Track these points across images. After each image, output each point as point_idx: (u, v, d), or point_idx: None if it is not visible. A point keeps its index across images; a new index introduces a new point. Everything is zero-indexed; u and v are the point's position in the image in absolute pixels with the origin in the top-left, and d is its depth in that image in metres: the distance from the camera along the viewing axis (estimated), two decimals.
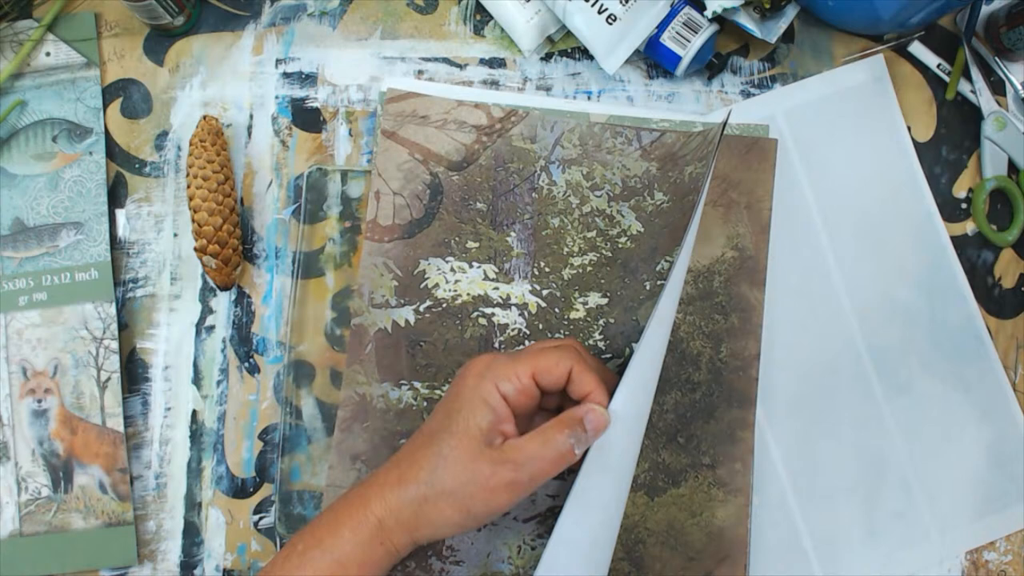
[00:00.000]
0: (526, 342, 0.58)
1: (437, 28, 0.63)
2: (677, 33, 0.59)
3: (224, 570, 0.58)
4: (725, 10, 0.59)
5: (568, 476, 0.48)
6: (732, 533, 0.57)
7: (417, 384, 0.57)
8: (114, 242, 0.60)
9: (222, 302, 0.60)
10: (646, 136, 0.60)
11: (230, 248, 0.57)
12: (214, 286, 0.59)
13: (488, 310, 0.58)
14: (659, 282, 0.58)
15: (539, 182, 0.60)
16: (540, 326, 0.58)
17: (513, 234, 0.59)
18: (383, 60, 0.62)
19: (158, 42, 0.62)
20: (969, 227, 0.63)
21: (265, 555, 0.58)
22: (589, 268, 0.59)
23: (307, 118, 0.62)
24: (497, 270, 0.59)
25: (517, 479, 0.45)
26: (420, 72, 0.62)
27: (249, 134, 0.61)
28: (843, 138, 0.62)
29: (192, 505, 0.58)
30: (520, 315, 0.58)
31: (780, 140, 0.61)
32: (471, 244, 0.59)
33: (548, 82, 0.63)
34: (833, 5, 0.59)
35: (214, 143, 0.58)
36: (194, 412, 0.59)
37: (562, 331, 0.58)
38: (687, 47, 0.59)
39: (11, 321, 0.58)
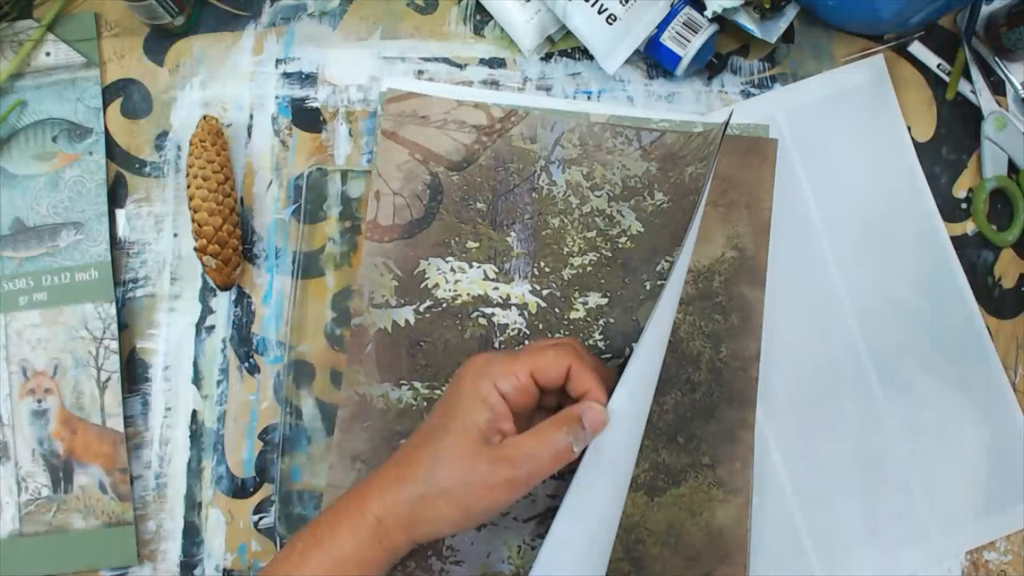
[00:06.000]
0: (526, 342, 0.58)
1: (437, 28, 0.63)
2: (677, 33, 0.59)
3: (224, 570, 0.58)
4: (725, 10, 0.59)
5: (568, 476, 0.48)
6: (732, 533, 0.57)
7: (417, 384, 0.57)
8: (114, 242, 0.60)
9: (222, 302, 0.60)
10: (646, 136, 0.60)
11: (230, 248, 0.57)
12: (214, 286, 0.59)
13: (488, 310, 0.58)
14: (659, 282, 0.58)
15: (539, 182, 0.60)
16: (540, 326, 0.58)
17: (513, 234, 0.59)
18: (383, 60, 0.62)
19: (158, 42, 0.62)
20: (969, 227, 0.63)
21: (265, 555, 0.58)
22: (589, 268, 0.59)
23: (307, 118, 0.62)
24: (497, 270, 0.59)
25: (515, 477, 0.45)
26: (420, 72, 0.62)
27: (249, 134, 0.61)
28: (843, 138, 0.62)
29: (192, 505, 0.58)
30: (520, 315, 0.58)
31: (780, 140, 0.61)
32: (471, 244, 0.59)
33: (548, 82, 0.63)
34: (833, 5, 0.59)
35: (214, 143, 0.58)
36: (194, 412, 0.59)
37: (562, 331, 0.58)
38: (687, 47, 0.59)
39: (11, 321, 0.58)
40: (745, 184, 0.60)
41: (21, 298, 0.59)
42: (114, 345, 0.58)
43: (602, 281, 0.59)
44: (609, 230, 0.59)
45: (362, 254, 0.58)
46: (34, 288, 0.59)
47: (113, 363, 0.58)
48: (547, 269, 0.59)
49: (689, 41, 0.59)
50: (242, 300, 0.60)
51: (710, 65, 0.62)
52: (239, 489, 0.58)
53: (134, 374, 0.59)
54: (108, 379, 0.58)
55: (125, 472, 0.57)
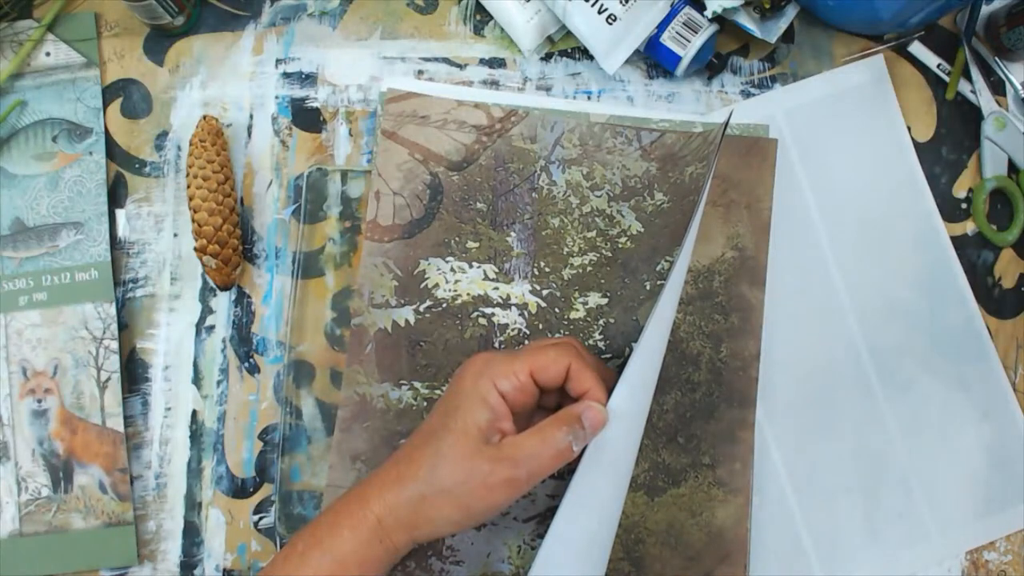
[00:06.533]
0: (526, 342, 0.58)
1: (437, 28, 0.63)
2: (677, 33, 0.59)
3: (224, 570, 0.58)
4: (725, 10, 0.59)
5: (568, 475, 0.48)
6: (732, 533, 0.57)
7: (417, 384, 0.57)
8: (114, 242, 0.60)
9: (222, 302, 0.60)
10: (646, 136, 0.60)
11: (230, 248, 0.57)
12: (214, 286, 0.59)
13: (488, 310, 0.58)
14: (659, 282, 0.58)
15: (539, 182, 0.60)
16: (540, 326, 0.58)
17: (513, 234, 0.59)
18: (383, 60, 0.62)
19: (158, 42, 0.62)
20: (969, 227, 0.63)
21: (265, 555, 0.58)
22: (589, 268, 0.59)
23: (307, 118, 0.62)
24: (497, 270, 0.59)
25: (515, 476, 0.45)
26: (420, 72, 0.62)
27: (249, 134, 0.61)
28: (843, 138, 0.62)
29: (192, 505, 0.58)
30: (520, 315, 0.58)
31: (780, 140, 0.61)
32: (471, 244, 0.59)
33: (548, 82, 0.63)
34: (833, 5, 0.59)
35: (214, 143, 0.58)
36: (194, 412, 0.59)
37: (562, 331, 0.58)
38: (687, 47, 0.59)
39: (11, 321, 0.58)
40: (745, 184, 0.60)
41: (21, 298, 0.59)
42: (114, 345, 0.58)
43: (602, 281, 0.59)
44: (609, 230, 0.59)
45: (362, 254, 0.58)
46: (34, 288, 0.59)
47: (113, 363, 0.58)
48: (547, 269, 0.59)
49: (689, 41, 0.59)
50: (242, 300, 0.60)
51: (710, 65, 0.62)
52: (239, 489, 0.58)
53: (134, 374, 0.59)
54: (108, 379, 0.58)
55: (125, 472, 0.57)
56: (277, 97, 0.62)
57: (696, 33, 0.59)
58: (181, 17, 0.60)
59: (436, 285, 0.59)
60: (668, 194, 0.60)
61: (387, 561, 0.46)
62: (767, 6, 0.59)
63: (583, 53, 0.63)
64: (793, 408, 0.60)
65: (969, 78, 0.63)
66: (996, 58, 0.63)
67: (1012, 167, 0.63)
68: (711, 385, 0.58)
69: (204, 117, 0.59)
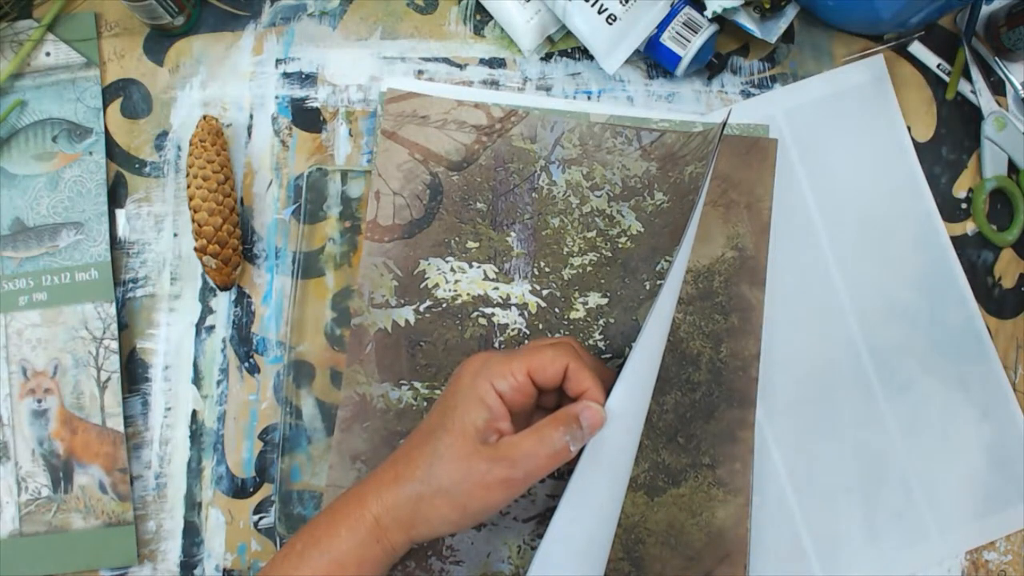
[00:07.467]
0: (526, 342, 0.58)
1: (437, 28, 0.63)
2: (677, 33, 0.59)
3: (224, 570, 0.58)
4: (725, 10, 0.59)
5: (567, 475, 0.48)
6: (732, 533, 0.57)
7: (417, 384, 0.57)
8: (114, 242, 0.60)
9: (222, 302, 0.60)
10: (646, 136, 0.60)
11: (230, 248, 0.57)
12: (214, 286, 0.59)
13: (488, 310, 0.58)
14: (659, 282, 0.58)
15: (539, 182, 0.60)
16: (540, 326, 0.58)
17: (513, 234, 0.59)
18: (383, 60, 0.62)
19: (158, 42, 0.62)
20: (969, 227, 0.63)
21: (265, 555, 0.58)
22: (589, 268, 0.59)
23: (307, 118, 0.62)
24: (497, 270, 0.59)
25: (512, 476, 0.45)
26: (420, 72, 0.62)
27: (249, 134, 0.61)
28: (843, 138, 0.62)
29: (192, 505, 0.58)
30: (520, 315, 0.58)
31: (780, 140, 0.61)
32: (471, 244, 0.59)
33: (548, 82, 0.63)
34: (833, 5, 0.59)
35: (214, 143, 0.58)
36: (194, 412, 0.59)
37: (562, 331, 0.58)
38: (687, 47, 0.59)
39: (11, 321, 0.58)
40: (745, 184, 0.60)
41: (21, 298, 0.59)
42: (114, 345, 0.58)
43: (602, 281, 0.59)
44: (609, 230, 0.59)
45: (362, 254, 0.58)
46: (34, 288, 0.59)
47: (113, 363, 0.58)
48: (547, 269, 0.59)
49: (689, 41, 0.59)
50: (242, 300, 0.60)
51: (710, 65, 0.62)
52: (239, 489, 0.58)
53: (134, 374, 0.59)
54: (108, 379, 0.58)
55: (125, 472, 0.57)
56: (277, 97, 0.62)
57: (696, 33, 0.59)
58: (181, 17, 0.60)
59: (436, 285, 0.59)
60: (668, 194, 0.60)
61: (385, 561, 0.46)
62: (767, 6, 0.59)
63: (583, 53, 0.63)
64: (793, 408, 0.60)
65: (969, 78, 0.63)
66: (996, 58, 0.63)
67: (1012, 167, 0.63)
68: (711, 385, 0.58)
69: (204, 117, 0.59)
